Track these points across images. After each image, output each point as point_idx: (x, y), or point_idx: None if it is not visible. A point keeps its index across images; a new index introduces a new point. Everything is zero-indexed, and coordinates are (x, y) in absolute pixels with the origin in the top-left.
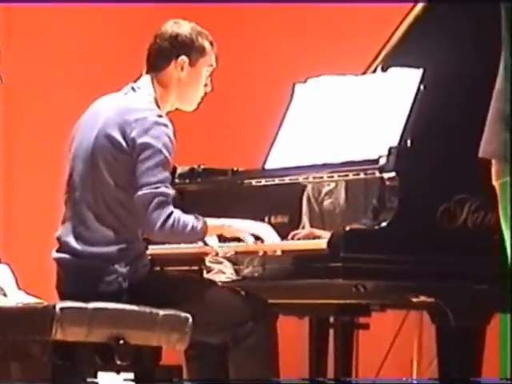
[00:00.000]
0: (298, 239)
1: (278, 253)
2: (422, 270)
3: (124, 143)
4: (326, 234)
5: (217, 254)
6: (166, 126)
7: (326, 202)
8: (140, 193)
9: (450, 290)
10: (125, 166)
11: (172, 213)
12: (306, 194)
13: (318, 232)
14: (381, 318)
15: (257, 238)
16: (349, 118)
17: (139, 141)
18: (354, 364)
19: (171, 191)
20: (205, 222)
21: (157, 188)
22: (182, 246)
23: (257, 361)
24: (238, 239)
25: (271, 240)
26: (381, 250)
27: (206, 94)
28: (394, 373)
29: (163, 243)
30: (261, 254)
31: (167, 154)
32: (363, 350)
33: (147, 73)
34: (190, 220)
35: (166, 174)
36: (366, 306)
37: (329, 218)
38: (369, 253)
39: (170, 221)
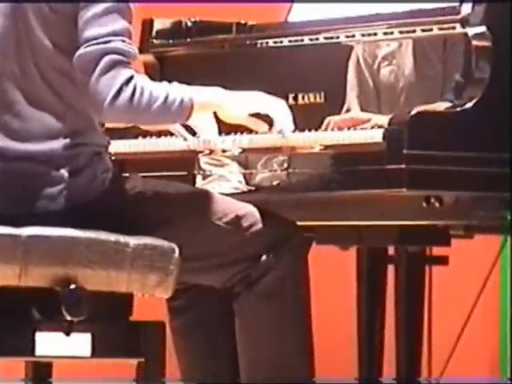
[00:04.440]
0: (337, 129)
1: (317, 149)
2: None
3: None
4: (381, 119)
5: (222, 151)
6: None
7: (385, 71)
8: (81, 52)
9: None
10: (67, 18)
11: (132, 78)
12: (353, 58)
13: (365, 116)
14: (466, 248)
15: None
16: None
17: None
18: (426, 316)
19: (131, 48)
20: (189, 96)
21: (107, 42)
22: (164, 140)
23: (278, 313)
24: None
25: (288, 129)
26: (465, 143)
27: None
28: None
29: (135, 135)
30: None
31: None
32: (439, 294)
33: None
34: (161, 89)
35: (124, 24)
36: (442, 229)
37: (388, 94)
38: (446, 148)
39: (129, 90)
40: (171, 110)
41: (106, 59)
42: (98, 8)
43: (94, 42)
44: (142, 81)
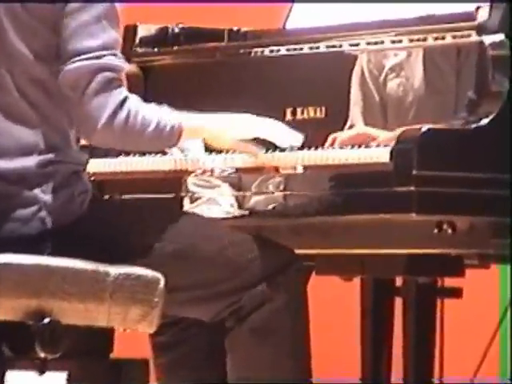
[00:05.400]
0: (341, 147)
1: (317, 169)
2: None
3: None
4: (389, 135)
5: (207, 172)
6: None
7: (392, 84)
8: (70, 67)
9: None
10: (46, 25)
11: (126, 99)
12: (357, 69)
13: (374, 132)
14: (481, 280)
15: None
16: None
17: None
18: (438, 354)
19: (123, 62)
20: (179, 122)
21: (99, 57)
22: (148, 159)
23: (274, 351)
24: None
25: (290, 147)
26: (480, 164)
27: None
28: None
29: (117, 153)
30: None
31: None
32: (452, 331)
33: None
34: (154, 113)
35: (114, 34)
36: (456, 258)
37: (395, 109)
38: (460, 169)
39: (123, 112)
40: (162, 135)
41: (100, 78)
42: (86, 16)
43: (85, 56)
44: (135, 103)
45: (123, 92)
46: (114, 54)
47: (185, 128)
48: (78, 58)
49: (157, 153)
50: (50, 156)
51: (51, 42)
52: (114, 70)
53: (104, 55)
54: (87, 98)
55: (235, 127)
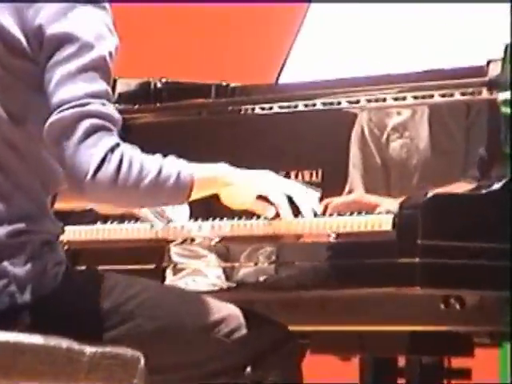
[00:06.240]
0: (338, 213)
1: (311, 238)
2: None
3: (23, 38)
4: (393, 205)
5: (192, 241)
6: (100, 7)
7: (395, 145)
8: (54, 118)
9: None
10: (25, 83)
11: (118, 145)
12: (357, 129)
13: (374, 200)
14: (492, 361)
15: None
16: None
17: (50, 30)
18: None
19: (114, 112)
20: (189, 171)
21: (85, 105)
22: (127, 226)
23: None
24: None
25: (310, 211)
26: (491, 233)
27: None
28: None
29: (92, 220)
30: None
31: (104, 53)
32: None
33: None
34: (154, 161)
35: (103, 85)
36: (464, 336)
37: (399, 173)
38: (469, 239)
39: (115, 159)
40: (165, 186)
41: (85, 124)
42: (72, 67)
43: (69, 105)
44: (129, 150)
45: (114, 138)
46: (103, 104)
47: (198, 178)
48: (60, 109)
49: (136, 220)
50: (22, 226)
51: (30, 102)
52: (101, 117)
53: (90, 103)
54: (73, 147)
55: (258, 183)
